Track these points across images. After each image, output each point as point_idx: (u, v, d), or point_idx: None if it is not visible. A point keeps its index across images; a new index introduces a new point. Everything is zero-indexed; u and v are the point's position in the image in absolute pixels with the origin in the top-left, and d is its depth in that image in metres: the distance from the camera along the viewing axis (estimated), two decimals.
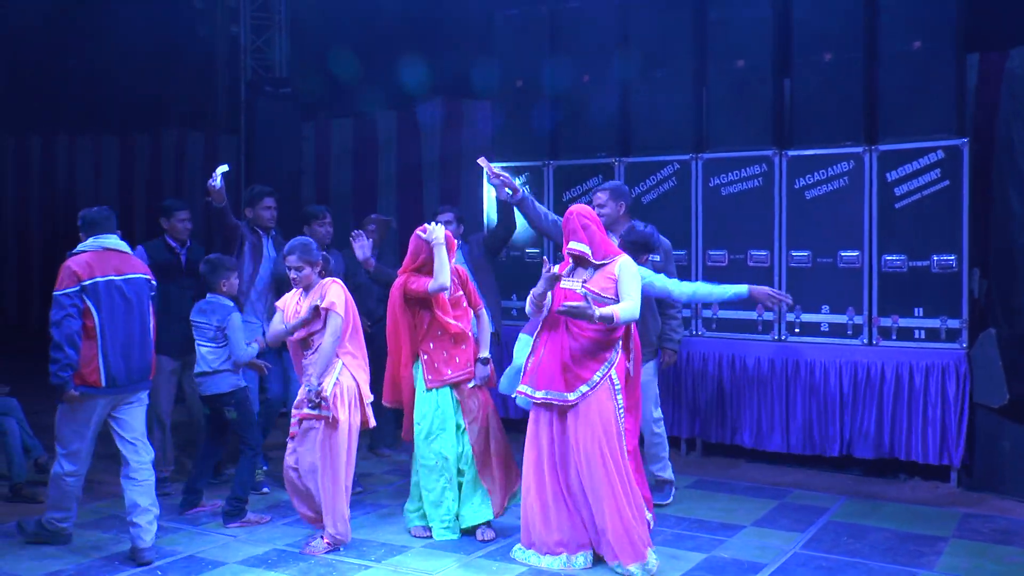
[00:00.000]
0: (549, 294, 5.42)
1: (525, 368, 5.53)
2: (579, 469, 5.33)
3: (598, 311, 5.18)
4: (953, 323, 6.98)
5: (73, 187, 14.33)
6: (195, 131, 13.24)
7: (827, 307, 7.41)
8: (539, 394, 5.41)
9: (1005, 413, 6.80)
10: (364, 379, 5.76)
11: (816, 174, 7.44)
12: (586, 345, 5.34)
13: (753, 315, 7.68)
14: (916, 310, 7.10)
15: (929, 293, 7.05)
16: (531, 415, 5.54)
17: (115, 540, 5.89)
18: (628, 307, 5.30)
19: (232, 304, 6.36)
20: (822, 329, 7.43)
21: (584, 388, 5.31)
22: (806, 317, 7.49)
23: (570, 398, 5.33)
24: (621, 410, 5.38)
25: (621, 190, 6.73)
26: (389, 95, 11.16)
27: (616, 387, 5.37)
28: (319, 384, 5.57)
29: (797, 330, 7.52)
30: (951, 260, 6.97)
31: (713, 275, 7.80)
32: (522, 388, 5.50)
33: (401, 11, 10.91)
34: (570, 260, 5.51)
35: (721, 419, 7.79)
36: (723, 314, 7.80)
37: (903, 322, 7.15)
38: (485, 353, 6.07)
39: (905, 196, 7.13)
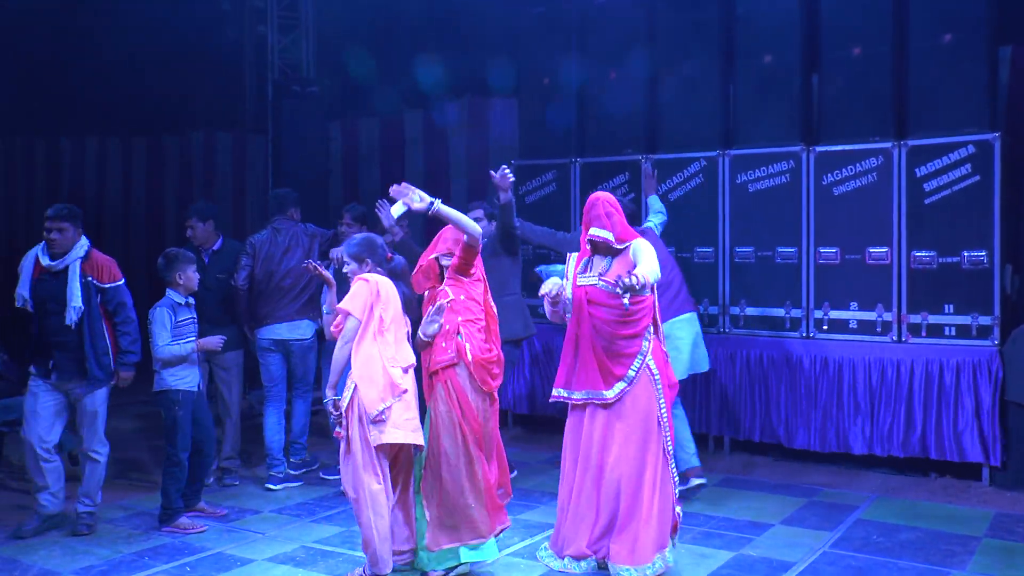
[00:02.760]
0: (568, 296, 5.39)
1: (558, 370, 5.47)
2: (617, 465, 5.26)
3: (629, 280, 4.98)
4: (985, 320, 6.91)
5: (103, 189, 14.45)
6: (223, 132, 13.32)
7: (856, 304, 7.35)
8: (577, 395, 5.37)
9: None
10: (368, 387, 4.97)
11: (844, 170, 7.38)
12: (616, 340, 5.29)
13: (781, 312, 7.63)
14: (946, 307, 7.03)
15: (960, 289, 6.97)
16: (569, 419, 5.47)
17: (145, 536, 5.95)
18: (646, 267, 5.12)
19: (172, 298, 6.12)
20: (851, 326, 7.37)
21: (622, 384, 5.27)
22: (835, 314, 7.43)
23: (608, 396, 5.28)
24: (662, 400, 5.29)
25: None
26: (415, 94, 11.19)
27: (656, 377, 5.29)
28: (334, 398, 5.07)
29: (825, 327, 7.47)
30: (982, 256, 6.90)
31: (740, 272, 7.78)
32: (557, 392, 5.45)
33: (426, 11, 10.93)
34: (587, 251, 5.43)
35: (749, 416, 7.75)
36: (750, 311, 7.75)
37: (933, 319, 7.08)
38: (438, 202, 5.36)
39: (935, 191, 7.06)
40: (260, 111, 11.88)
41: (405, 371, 5.10)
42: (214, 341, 6.24)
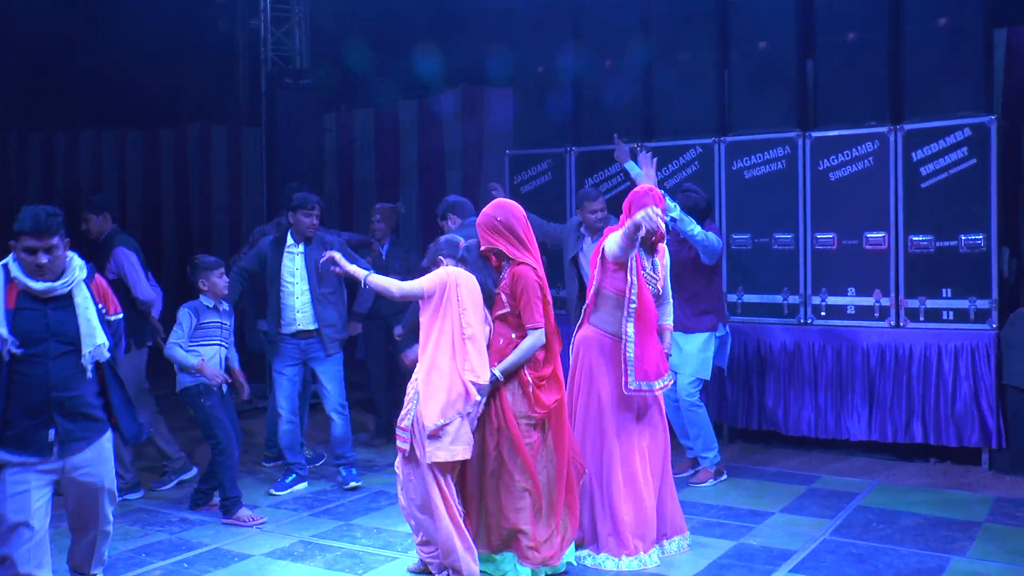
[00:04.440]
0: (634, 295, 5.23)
1: (635, 363, 5.23)
2: (665, 445, 5.42)
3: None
4: (982, 303, 6.88)
5: (99, 182, 14.42)
6: (218, 124, 13.30)
7: (853, 289, 7.32)
8: (657, 384, 5.32)
9: None
10: (430, 401, 4.73)
11: (841, 155, 7.34)
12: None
13: (779, 299, 7.60)
14: (944, 291, 7.00)
15: (957, 273, 6.95)
16: (612, 414, 5.28)
17: (141, 533, 5.93)
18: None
19: (201, 301, 6.12)
20: (848, 312, 7.35)
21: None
22: (832, 300, 7.41)
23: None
24: None
25: None
26: (410, 85, 11.15)
27: None
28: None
29: (823, 313, 7.44)
30: (979, 239, 6.87)
31: (737, 259, 7.74)
32: (640, 385, 5.23)
33: (420, 0, 10.88)
34: (641, 249, 5.29)
35: (748, 404, 7.72)
36: (748, 298, 7.72)
37: (931, 303, 7.06)
38: (496, 370, 4.93)
39: (931, 175, 7.03)
40: (254, 103, 11.84)
41: (479, 389, 4.81)
42: (219, 374, 6.11)
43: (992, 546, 5.44)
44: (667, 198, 6.39)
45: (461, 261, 5.09)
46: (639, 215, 5.01)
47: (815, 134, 7.47)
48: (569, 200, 8.46)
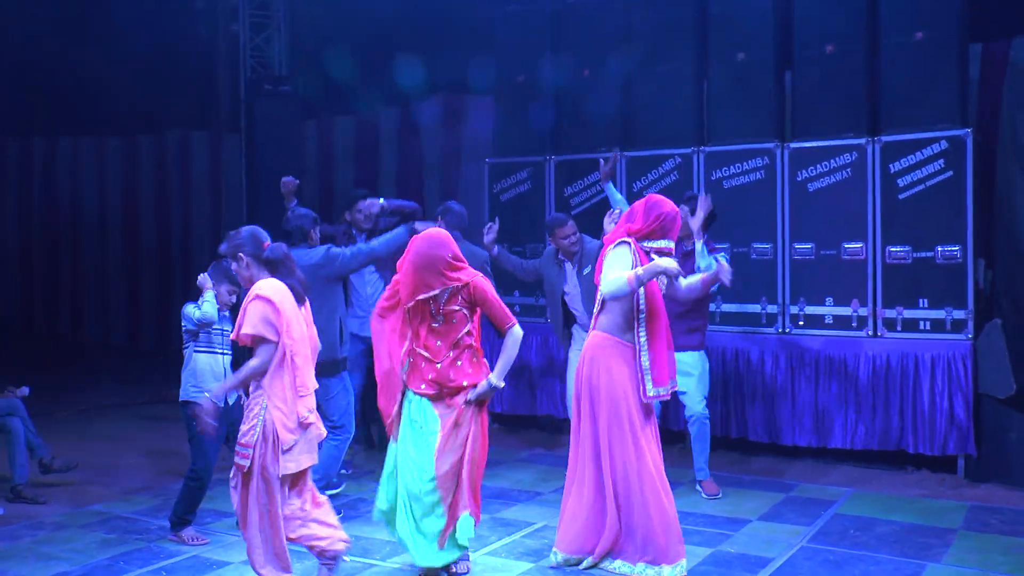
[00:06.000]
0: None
1: (650, 371, 5.21)
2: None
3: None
4: (958, 314, 6.95)
5: (78, 190, 14.34)
6: (198, 131, 13.25)
7: (831, 299, 7.37)
8: (666, 388, 5.28)
9: (1012, 404, 6.78)
10: (283, 416, 4.72)
11: (819, 166, 7.40)
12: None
13: (757, 308, 7.65)
14: (921, 301, 7.06)
15: (934, 284, 7.01)
16: (641, 419, 5.20)
17: (119, 540, 5.89)
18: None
19: (198, 304, 5.85)
20: (826, 321, 7.40)
21: None
22: (810, 310, 7.46)
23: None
24: None
25: None
26: (390, 93, 11.15)
27: None
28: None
29: (801, 323, 7.49)
30: (955, 250, 6.93)
31: None
32: (658, 391, 5.21)
33: (402, 8, 10.90)
34: (644, 256, 5.28)
35: (725, 413, 7.75)
36: (726, 307, 7.76)
37: (908, 313, 7.12)
38: (494, 379, 5.08)
39: (908, 187, 7.09)
40: (235, 110, 11.83)
41: (309, 404, 4.84)
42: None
43: (967, 553, 5.50)
44: (701, 245, 6.49)
45: (267, 263, 4.86)
46: (670, 265, 5.06)
47: (793, 145, 7.53)
48: (548, 209, 8.48)
